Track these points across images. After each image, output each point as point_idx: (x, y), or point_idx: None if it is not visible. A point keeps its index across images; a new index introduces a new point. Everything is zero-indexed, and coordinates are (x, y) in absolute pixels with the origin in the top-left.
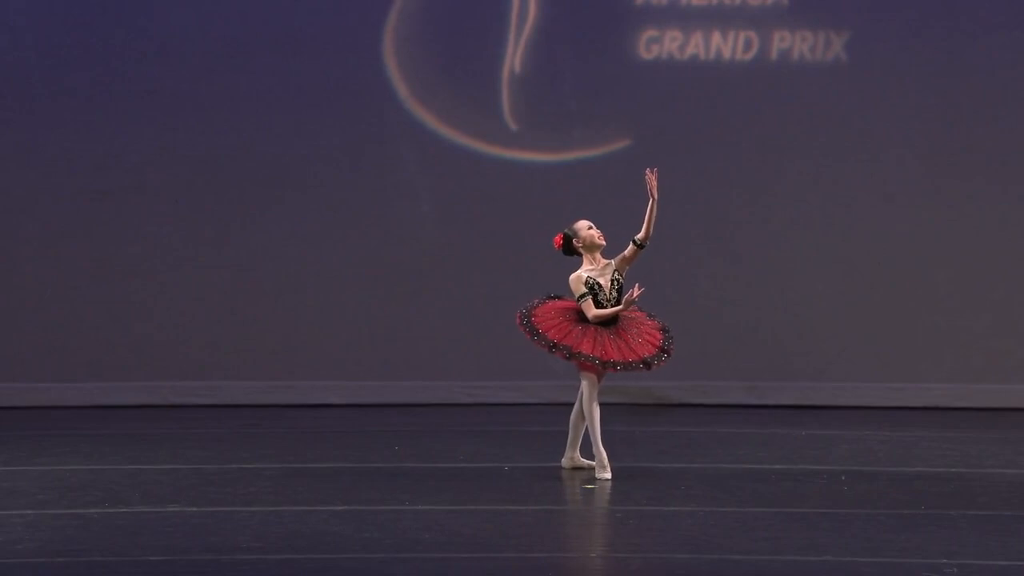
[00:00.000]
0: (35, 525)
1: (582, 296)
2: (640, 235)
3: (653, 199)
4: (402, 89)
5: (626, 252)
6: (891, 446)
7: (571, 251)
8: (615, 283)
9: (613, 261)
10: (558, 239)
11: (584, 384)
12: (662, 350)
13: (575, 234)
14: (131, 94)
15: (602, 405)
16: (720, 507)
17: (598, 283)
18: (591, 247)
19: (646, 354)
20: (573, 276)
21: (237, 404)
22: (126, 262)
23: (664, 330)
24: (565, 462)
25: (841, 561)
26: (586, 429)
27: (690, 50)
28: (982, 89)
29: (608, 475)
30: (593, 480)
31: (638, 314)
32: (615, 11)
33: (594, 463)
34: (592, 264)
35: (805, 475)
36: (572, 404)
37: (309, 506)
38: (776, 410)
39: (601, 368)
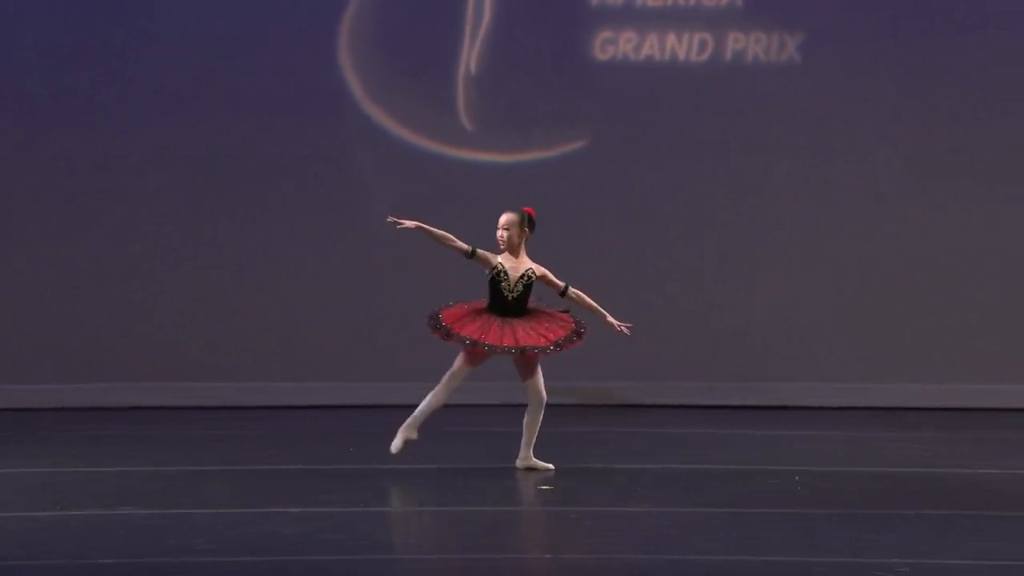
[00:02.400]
0: None
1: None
2: (568, 292)
3: (608, 322)
4: (357, 89)
5: (553, 280)
6: (848, 446)
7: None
8: (525, 278)
9: (535, 267)
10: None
11: (456, 362)
12: (556, 344)
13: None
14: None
15: (560, 406)
16: (677, 507)
17: (506, 272)
18: (500, 242)
19: (528, 343)
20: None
21: (201, 406)
22: (88, 266)
23: (571, 329)
24: (519, 463)
25: (795, 561)
26: (524, 426)
27: (645, 51)
28: (939, 88)
29: (400, 441)
30: (549, 481)
31: (559, 314)
32: (570, 12)
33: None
34: (507, 258)
35: (761, 475)
36: (526, 406)
37: (266, 508)
38: (734, 410)
39: (465, 346)
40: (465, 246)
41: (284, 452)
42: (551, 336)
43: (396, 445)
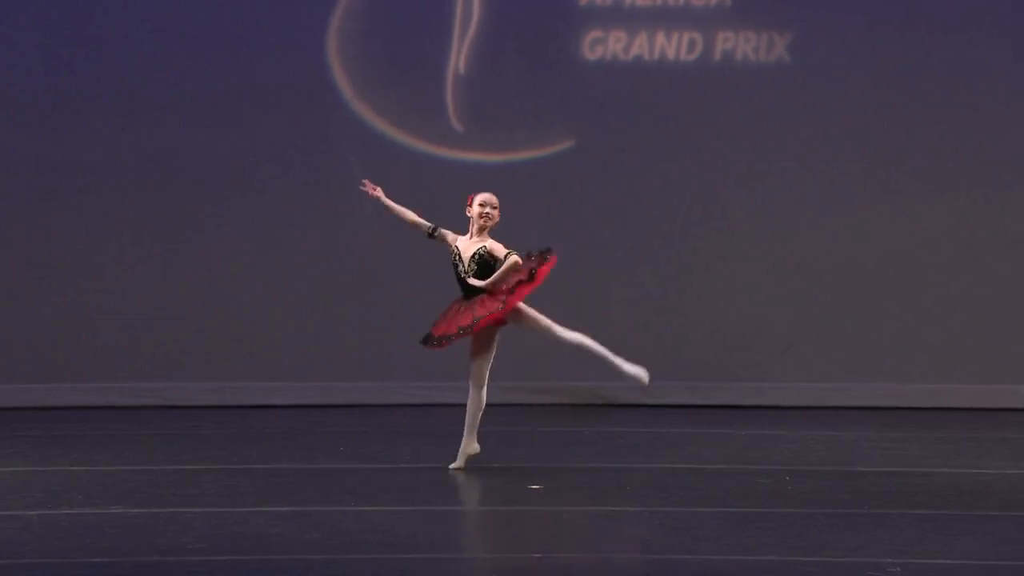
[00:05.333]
0: None
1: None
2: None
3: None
4: (347, 89)
5: (504, 262)
6: (833, 446)
7: None
8: (476, 256)
9: (489, 245)
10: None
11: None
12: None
13: (471, 206)
14: (82, 94)
15: (548, 406)
16: (663, 507)
17: (460, 255)
18: (476, 219)
19: (463, 323)
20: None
21: (183, 405)
22: (72, 262)
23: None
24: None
25: (785, 560)
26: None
27: (634, 51)
28: (930, 88)
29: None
30: (537, 481)
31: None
32: (559, 12)
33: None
34: (467, 235)
35: (748, 475)
36: (513, 405)
37: (253, 507)
38: (718, 410)
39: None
40: (427, 224)
41: (271, 451)
42: (480, 311)
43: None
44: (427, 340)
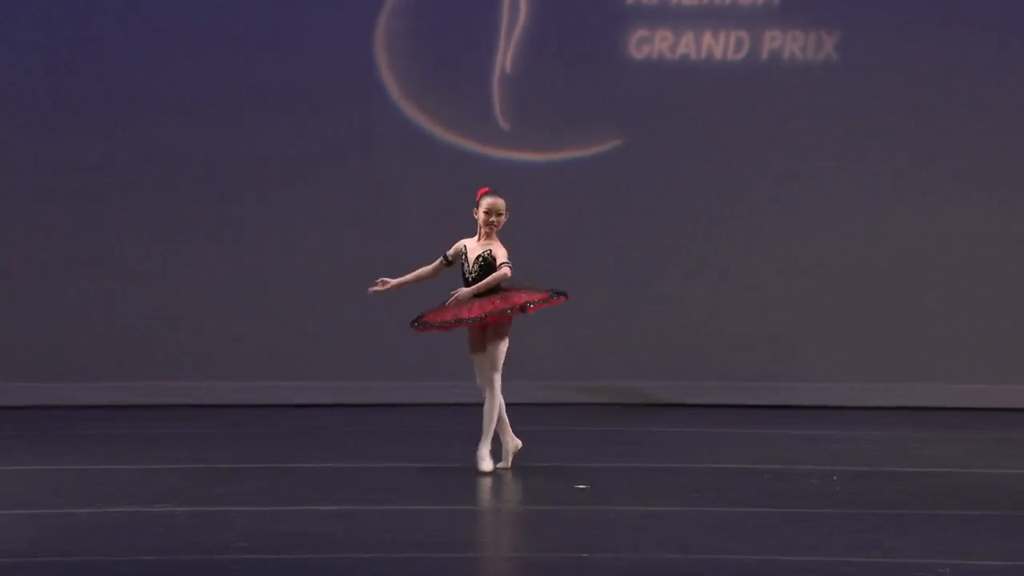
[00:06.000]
0: (25, 526)
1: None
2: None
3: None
4: (393, 89)
5: (497, 271)
6: (882, 446)
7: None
8: (480, 259)
9: (494, 249)
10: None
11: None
12: (487, 314)
13: (478, 207)
14: (125, 93)
15: (592, 405)
16: (710, 507)
17: (467, 254)
18: (482, 226)
19: (466, 315)
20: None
21: (224, 404)
22: (120, 263)
23: (512, 303)
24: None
25: (832, 561)
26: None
27: (681, 50)
28: (975, 89)
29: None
30: (584, 481)
31: (529, 291)
32: (606, 11)
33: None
34: (475, 238)
35: (796, 475)
36: (559, 404)
37: (298, 506)
38: (765, 410)
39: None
40: (438, 263)
41: (313, 450)
42: (488, 307)
43: (488, 464)
44: (420, 323)
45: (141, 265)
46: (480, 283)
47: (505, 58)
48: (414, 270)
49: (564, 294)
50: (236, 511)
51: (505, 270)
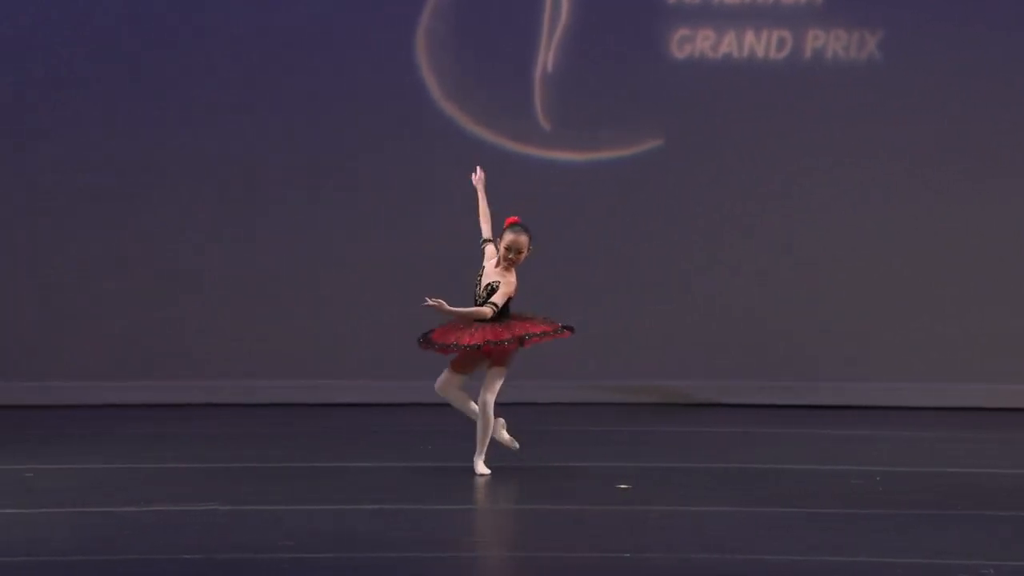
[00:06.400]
0: (69, 524)
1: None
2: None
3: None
4: (435, 89)
5: (483, 303)
6: (925, 446)
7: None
8: (488, 288)
9: (503, 284)
10: (508, 221)
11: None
12: (504, 341)
13: (502, 237)
14: (166, 95)
15: (636, 405)
16: (756, 507)
17: (480, 278)
18: (502, 259)
19: (465, 342)
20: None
21: (265, 403)
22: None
23: (513, 334)
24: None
25: (875, 562)
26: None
27: (723, 49)
28: (1021, 88)
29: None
30: (626, 481)
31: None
32: (648, 10)
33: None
34: (494, 265)
35: (839, 475)
36: (600, 404)
37: (341, 504)
38: (808, 410)
39: (435, 348)
40: (485, 232)
41: (357, 449)
42: (488, 336)
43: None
44: (425, 340)
45: (186, 264)
46: (458, 310)
47: (547, 57)
48: (469, 308)
49: (571, 328)
50: (280, 510)
51: (486, 310)
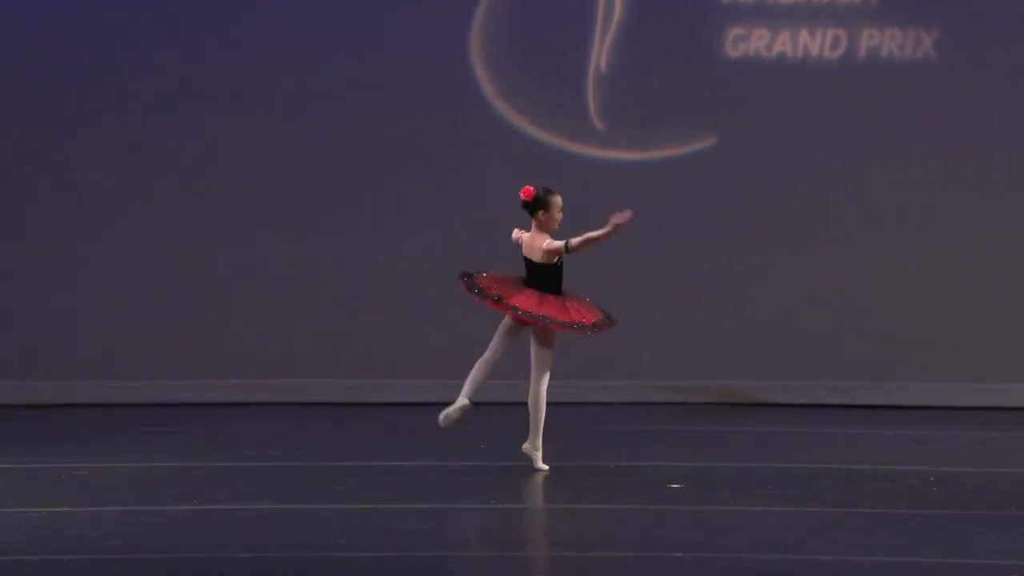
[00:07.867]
0: (125, 522)
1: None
2: (574, 241)
3: (607, 232)
4: (488, 88)
5: (553, 247)
6: (980, 447)
7: (531, 209)
8: (534, 264)
9: (537, 238)
10: (530, 192)
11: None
12: (597, 325)
13: (546, 205)
14: (215, 94)
15: (688, 404)
16: (807, 507)
17: (527, 261)
18: (548, 224)
19: (582, 320)
20: (547, 243)
21: (318, 403)
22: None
23: (602, 314)
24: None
25: (929, 563)
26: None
27: (777, 48)
28: None
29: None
30: (679, 480)
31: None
32: (701, 9)
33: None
34: (530, 240)
35: (893, 476)
36: (656, 404)
37: (393, 503)
38: (863, 410)
39: (527, 320)
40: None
41: (408, 448)
42: (543, 309)
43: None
44: (468, 280)
45: (243, 265)
46: (599, 233)
47: (600, 56)
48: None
49: (614, 322)
50: (331, 508)
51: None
